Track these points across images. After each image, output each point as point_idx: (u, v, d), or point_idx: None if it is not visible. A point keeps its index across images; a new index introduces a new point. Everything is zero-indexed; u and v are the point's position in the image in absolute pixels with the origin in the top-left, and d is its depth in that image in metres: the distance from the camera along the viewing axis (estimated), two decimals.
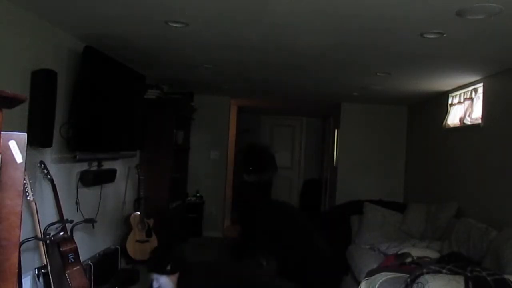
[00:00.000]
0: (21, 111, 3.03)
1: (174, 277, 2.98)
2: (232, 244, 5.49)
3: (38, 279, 3.15)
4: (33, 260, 3.27)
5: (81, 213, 3.97)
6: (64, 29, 3.55)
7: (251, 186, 5.98)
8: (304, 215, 4.89)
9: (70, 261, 3.19)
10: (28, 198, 3.02)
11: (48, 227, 3.24)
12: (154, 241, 4.99)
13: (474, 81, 4.67)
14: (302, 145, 10.43)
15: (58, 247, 3.18)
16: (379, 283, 3.50)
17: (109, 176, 4.49)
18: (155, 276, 2.99)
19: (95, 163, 4.24)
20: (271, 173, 5.96)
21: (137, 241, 4.87)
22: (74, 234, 3.54)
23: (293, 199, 10.23)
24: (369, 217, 5.36)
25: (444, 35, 3.05)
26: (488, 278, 2.62)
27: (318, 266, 4.12)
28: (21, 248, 2.75)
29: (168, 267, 2.96)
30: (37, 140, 3.15)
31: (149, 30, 3.45)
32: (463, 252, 3.85)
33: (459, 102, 5.06)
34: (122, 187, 5.14)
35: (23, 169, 1.21)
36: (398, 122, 7.17)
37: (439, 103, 5.65)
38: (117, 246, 4.72)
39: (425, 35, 3.08)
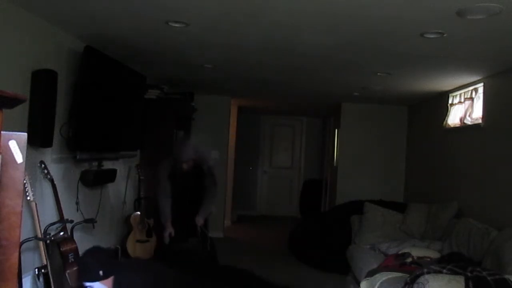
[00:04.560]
0: (22, 111, 3.03)
1: (109, 282, 2.72)
2: None
3: (38, 279, 3.15)
4: (33, 260, 3.27)
5: (81, 213, 3.97)
6: (64, 29, 3.55)
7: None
8: None
9: (70, 261, 3.19)
10: (28, 198, 3.02)
11: (48, 227, 3.24)
12: (154, 241, 4.99)
13: (474, 81, 4.67)
14: (302, 145, 10.43)
15: (58, 247, 3.18)
16: (379, 283, 3.51)
17: (109, 176, 4.49)
18: (87, 284, 2.70)
19: (95, 163, 4.23)
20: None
21: (138, 241, 4.87)
22: (74, 234, 3.54)
23: (293, 199, 10.24)
24: (369, 217, 5.36)
25: (444, 35, 3.05)
26: (489, 278, 2.62)
27: None
28: (21, 248, 2.76)
29: (101, 273, 2.68)
30: (37, 140, 3.15)
31: (149, 30, 3.45)
32: (463, 252, 3.85)
33: (460, 102, 5.06)
34: (122, 187, 5.14)
35: (23, 169, 1.21)
36: (398, 122, 7.17)
37: (439, 103, 5.64)
38: (118, 246, 4.72)
39: (425, 35, 3.08)
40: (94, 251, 2.81)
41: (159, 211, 4.45)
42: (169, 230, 4.35)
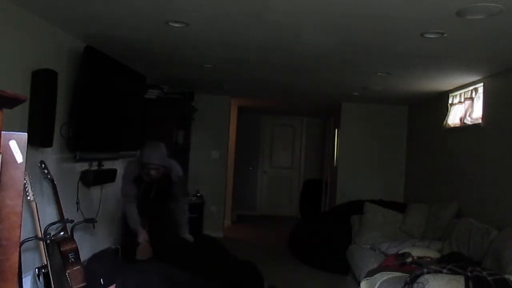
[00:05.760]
0: (22, 111, 3.03)
1: None
2: None
3: (39, 279, 3.15)
4: (33, 260, 3.27)
5: (82, 213, 3.97)
6: (64, 29, 3.55)
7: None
8: None
9: (70, 261, 3.18)
10: (29, 198, 3.02)
11: (49, 227, 3.23)
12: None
13: (474, 81, 4.67)
14: (302, 145, 10.43)
15: (59, 247, 3.18)
16: (379, 283, 3.51)
17: (110, 176, 4.49)
18: None
19: (95, 163, 4.24)
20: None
21: None
22: (74, 234, 3.54)
23: (293, 199, 10.24)
24: (369, 217, 5.36)
25: (444, 35, 3.05)
26: (489, 278, 2.62)
27: None
28: (22, 248, 2.75)
29: (102, 281, 2.65)
30: (37, 140, 3.15)
31: (149, 30, 3.45)
32: (463, 252, 3.85)
33: (460, 102, 5.06)
34: None
35: (23, 169, 1.21)
36: (398, 122, 7.17)
37: (439, 103, 5.64)
38: (118, 246, 4.72)
39: (425, 35, 3.08)
40: (98, 257, 2.79)
41: (126, 217, 4.15)
42: (143, 235, 4.02)
